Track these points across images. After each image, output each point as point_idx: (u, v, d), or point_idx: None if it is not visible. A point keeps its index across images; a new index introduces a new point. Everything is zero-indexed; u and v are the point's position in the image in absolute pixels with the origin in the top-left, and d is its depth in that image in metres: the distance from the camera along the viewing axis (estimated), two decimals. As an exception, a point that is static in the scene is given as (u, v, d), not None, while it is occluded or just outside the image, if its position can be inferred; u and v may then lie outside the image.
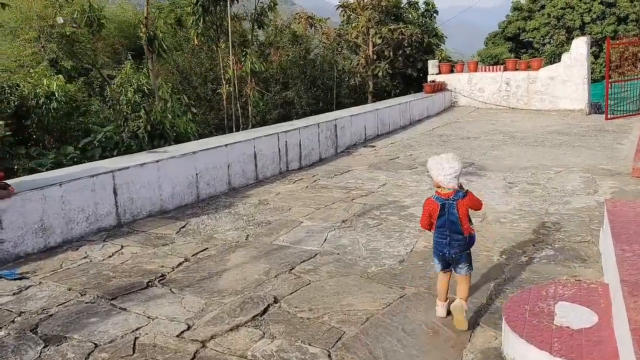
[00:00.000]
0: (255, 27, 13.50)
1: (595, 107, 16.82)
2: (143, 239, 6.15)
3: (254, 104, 12.35)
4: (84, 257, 5.60)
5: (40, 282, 4.93)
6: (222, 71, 11.53)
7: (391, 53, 18.66)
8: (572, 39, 39.52)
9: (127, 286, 4.78)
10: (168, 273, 5.08)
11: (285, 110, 15.92)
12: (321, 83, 16.89)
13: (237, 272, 5.04)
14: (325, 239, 5.90)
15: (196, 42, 12.13)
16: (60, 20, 12.58)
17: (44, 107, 12.00)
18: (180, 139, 9.85)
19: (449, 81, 17.90)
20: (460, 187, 3.83)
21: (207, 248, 5.78)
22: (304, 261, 5.26)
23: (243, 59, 11.82)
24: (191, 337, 3.85)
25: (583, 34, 39.00)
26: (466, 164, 9.62)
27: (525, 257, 5.21)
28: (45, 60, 27.31)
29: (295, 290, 4.59)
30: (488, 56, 29.74)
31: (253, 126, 14.09)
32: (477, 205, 3.89)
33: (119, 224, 6.61)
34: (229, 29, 10.75)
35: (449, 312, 4.01)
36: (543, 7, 40.92)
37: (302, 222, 6.59)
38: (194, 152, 7.71)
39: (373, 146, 11.93)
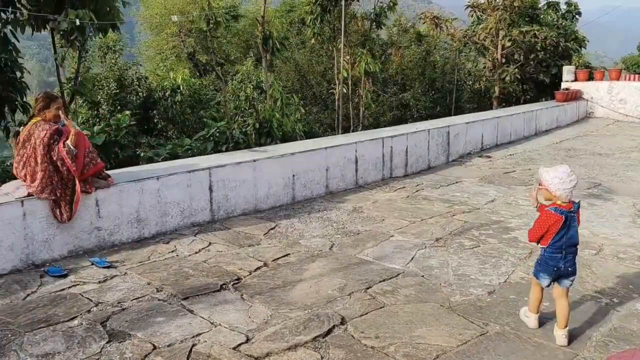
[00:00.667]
0: (374, 27, 13.23)
1: None
2: (231, 238, 6.18)
3: (365, 106, 12.09)
4: (172, 251, 5.73)
5: (125, 273, 5.11)
6: (336, 71, 11.41)
7: (522, 57, 17.40)
8: None
9: (202, 286, 4.78)
10: (244, 277, 5.02)
11: (400, 112, 15.47)
12: (440, 86, 16.18)
13: (311, 285, 4.85)
14: (413, 258, 5.51)
15: (313, 41, 12.13)
16: (174, 18, 13.27)
17: (169, 99, 12.71)
18: (286, 137, 9.89)
19: (586, 89, 16.33)
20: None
21: (289, 254, 5.65)
22: (383, 280, 4.93)
23: (358, 59, 11.63)
24: (247, 351, 3.71)
25: None
26: (591, 184, 8.64)
27: (642, 304, 4.45)
28: (183, 53, 29.17)
29: (366, 313, 4.29)
30: (634, 64, 26.74)
31: (365, 127, 13.87)
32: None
33: (212, 220, 6.72)
34: (342, 29, 10.57)
35: (540, 323, 4.02)
36: None
37: (392, 236, 6.24)
38: (292, 154, 7.65)
39: (489, 157, 11.17)
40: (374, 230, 6.48)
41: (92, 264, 5.27)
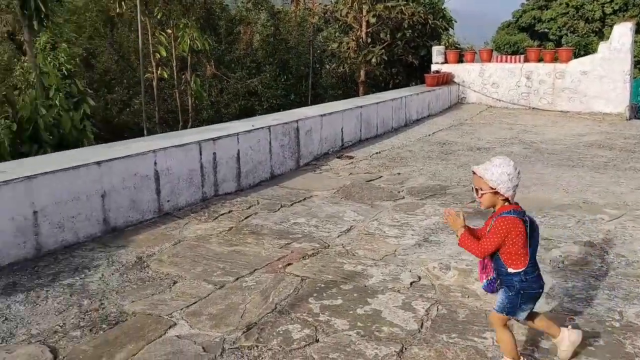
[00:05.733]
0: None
1: (635, 111, 13.71)
2: None
3: (195, 95, 9.32)
4: None
5: None
6: (151, 49, 8.55)
7: (388, 36, 15.49)
8: (593, 30, 36.20)
9: None
10: None
11: (249, 102, 12.85)
12: (295, 69, 13.74)
13: None
14: (188, 390, 2.91)
15: (118, 9, 9.10)
16: None
17: None
18: (66, 143, 6.86)
19: (457, 72, 14.79)
20: None
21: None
22: None
23: (181, 34, 8.82)
24: None
25: (603, 26, 35.76)
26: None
27: None
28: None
29: None
30: (505, 43, 26.17)
31: (205, 122, 11.10)
32: None
33: None
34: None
35: None
36: (561, -5, 37.73)
37: (173, 326, 3.60)
38: (29, 177, 4.70)
39: (350, 157, 8.90)
40: (147, 311, 3.80)
41: None
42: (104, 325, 3.62)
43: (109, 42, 12.25)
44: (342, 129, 9.34)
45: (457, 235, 2.95)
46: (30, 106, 6.44)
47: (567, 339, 3.07)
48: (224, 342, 3.39)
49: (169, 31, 9.12)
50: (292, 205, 6.36)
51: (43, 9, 6.96)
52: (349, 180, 7.42)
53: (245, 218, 5.88)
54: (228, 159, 6.81)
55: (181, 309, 3.82)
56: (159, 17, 9.00)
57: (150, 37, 8.52)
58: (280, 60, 13.55)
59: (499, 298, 2.97)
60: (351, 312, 3.75)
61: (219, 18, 14.01)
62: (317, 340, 3.40)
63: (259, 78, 12.94)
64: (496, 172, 2.83)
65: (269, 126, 7.54)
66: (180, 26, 8.81)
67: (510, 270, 2.86)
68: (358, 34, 15.21)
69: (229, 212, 6.12)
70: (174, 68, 9.38)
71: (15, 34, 25.05)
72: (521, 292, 2.87)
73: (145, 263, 4.67)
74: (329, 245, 5.05)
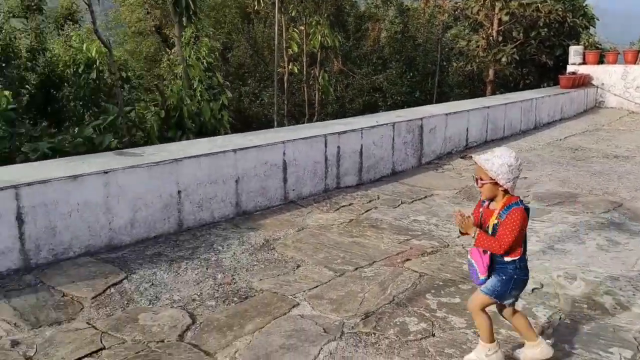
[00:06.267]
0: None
1: None
2: (32, 306, 3.79)
3: (322, 89, 9.64)
4: None
5: None
6: (284, 45, 8.99)
7: (521, 34, 14.84)
8: None
9: None
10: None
11: (373, 98, 12.98)
12: (422, 67, 13.63)
13: None
14: (309, 366, 3.12)
15: (256, 6, 9.63)
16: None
17: (83, 76, 10.20)
18: (205, 130, 7.45)
19: (596, 74, 13.83)
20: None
21: (102, 350, 3.26)
22: None
23: (313, 31, 9.15)
24: None
25: None
26: (609, 204, 6.24)
27: None
28: (150, 27, 26.51)
29: None
30: (657, 44, 23.82)
31: (329, 117, 11.43)
32: None
33: (26, 267, 4.31)
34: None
35: None
36: None
37: (296, 306, 3.85)
38: (176, 160, 5.21)
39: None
40: (273, 290, 4.09)
41: None
42: (235, 299, 3.96)
43: (245, 37, 13.04)
44: (467, 129, 9.18)
45: (472, 236, 2.95)
46: (176, 95, 7.14)
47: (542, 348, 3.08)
48: (343, 326, 3.57)
49: (302, 28, 9.52)
50: (412, 202, 6.41)
51: (192, 7, 7.66)
52: (472, 181, 7.30)
53: (366, 211, 6.04)
54: (351, 153, 7.01)
55: (304, 291, 4.06)
56: (292, 14, 9.43)
57: (284, 33, 8.97)
58: (407, 57, 13.55)
59: (490, 281, 2.96)
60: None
61: (348, 14, 14.32)
62: (433, 335, 3.46)
63: (385, 74, 13.06)
64: (496, 163, 2.86)
65: (393, 123, 7.63)
66: (312, 23, 9.17)
67: (506, 258, 2.90)
68: (489, 32, 14.75)
69: (350, 204, 6.31)
70: (304, 63, 9.78)
71: (162, 27, 27.26)
72: (514, 277, 2.92)
73: (272, 246, 5.00)
74: (448, 245, 5.06)
